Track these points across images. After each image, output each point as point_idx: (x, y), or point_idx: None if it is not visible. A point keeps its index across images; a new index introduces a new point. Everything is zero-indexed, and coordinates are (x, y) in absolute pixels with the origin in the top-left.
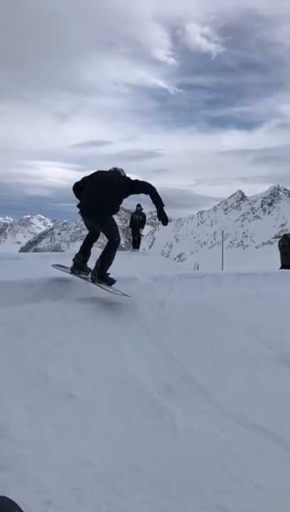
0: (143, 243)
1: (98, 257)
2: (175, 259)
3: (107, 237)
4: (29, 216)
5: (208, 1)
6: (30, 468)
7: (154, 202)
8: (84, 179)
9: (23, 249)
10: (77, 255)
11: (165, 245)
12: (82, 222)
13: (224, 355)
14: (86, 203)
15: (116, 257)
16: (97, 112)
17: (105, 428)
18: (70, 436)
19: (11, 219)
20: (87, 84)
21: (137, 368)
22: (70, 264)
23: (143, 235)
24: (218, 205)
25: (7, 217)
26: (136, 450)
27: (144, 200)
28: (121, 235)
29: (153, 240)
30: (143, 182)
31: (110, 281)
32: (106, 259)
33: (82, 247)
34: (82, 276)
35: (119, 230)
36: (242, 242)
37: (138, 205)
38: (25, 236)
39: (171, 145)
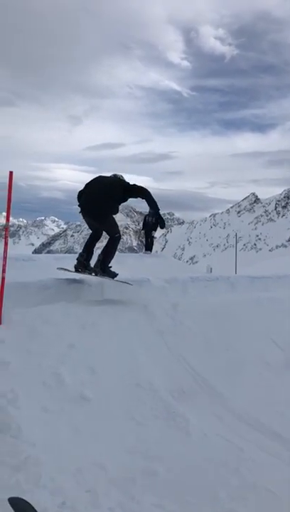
0: (156, 245)
1: (100, 253)
2: (187, 261)
3: (108, 234)
4: (42, 218)
5: (222, 4)
6: (44, 470)
7: (150, 206)
8: (86, 184)
9: (36, 251)
10: (80, 254)
11: (178, 248)
12: None
13: (237, 359)
14: (87, 204)
15: (129, 259)
16: (111, 114)
17: (118, 431)
18: (84, 438)
19: (25, 221)
20: (101, 87)
21: (150, 371)
22: (74, 263)
23: (155, 237)
24: (231, 207)
25: (21, 219)
26: (150, 453)
27: (159, 203)
28: (133, 237)
29: (166, 242)
30: (140, 187)
31: (112, 275)
32: (107, 253)
33: (85, 246)
34: (86, 273)
35: (132, 231)
36: (255, 245)
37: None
38: (38, 238)
39: (184, 147)
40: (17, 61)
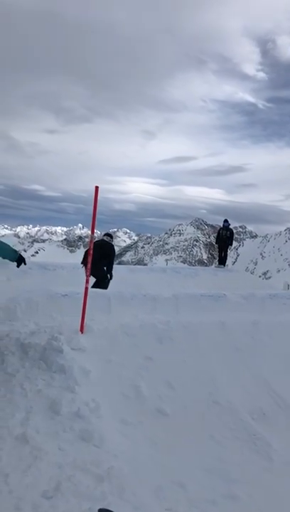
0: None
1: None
2: (260, 276)
3: (102, 279)
4: (115, 229)
5: None
6: (126, 483)
7: (108, 267)
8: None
9: None
10: None
11: (250, 262)
12: (165, 236)
13: None
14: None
15: (201, 272)
16: (184, 128)
17: (197, 449)
18: (162, 454)
19: (99, 232)
20: (175, 101)
21: (229, 389)
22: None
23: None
24: None
25: (95, 231)
26: (230, 476)
27: (231, 216)
28: (203, 250)
29: (237, 256)
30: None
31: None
32: (103, 287)
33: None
34: None
35: (202, 244)
36: None
37: (226, 221)
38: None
39: (259, 159)
40: (95, 80)
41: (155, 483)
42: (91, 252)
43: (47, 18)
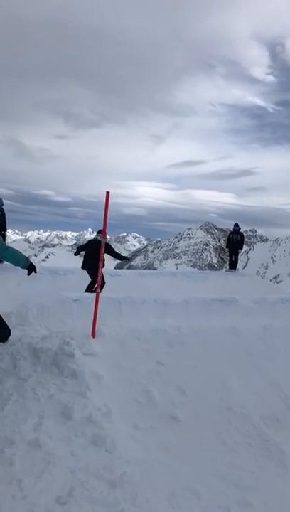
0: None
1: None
2: (271, 280)
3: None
4: (125, 234)
5: None
6: (139, 489)
7: (117, 258)
8: (86, 245)
9: (118, 266)
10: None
11: (261, 266)
12: (175, 241)
13: None
14: (86, 262)
15: (212, 276)
16: (193, 132)
17: (210, 455)
18: (175, 460)
19: (108, 237)
20: (184, 105)
21: (241, 395)
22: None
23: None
24: None
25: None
26: (243, 483)
27: (241, 220)
28: (213, 254)
29: (248, 259)
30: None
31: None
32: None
33: (87, 289)
34: None
35: (212, 248)
36: None
37: (236, 225)
38: (120, 253)
39: (268, 163)
40: (103, 85)
41: (168, 490)
42: (102, 256)
43: (56, 25)
